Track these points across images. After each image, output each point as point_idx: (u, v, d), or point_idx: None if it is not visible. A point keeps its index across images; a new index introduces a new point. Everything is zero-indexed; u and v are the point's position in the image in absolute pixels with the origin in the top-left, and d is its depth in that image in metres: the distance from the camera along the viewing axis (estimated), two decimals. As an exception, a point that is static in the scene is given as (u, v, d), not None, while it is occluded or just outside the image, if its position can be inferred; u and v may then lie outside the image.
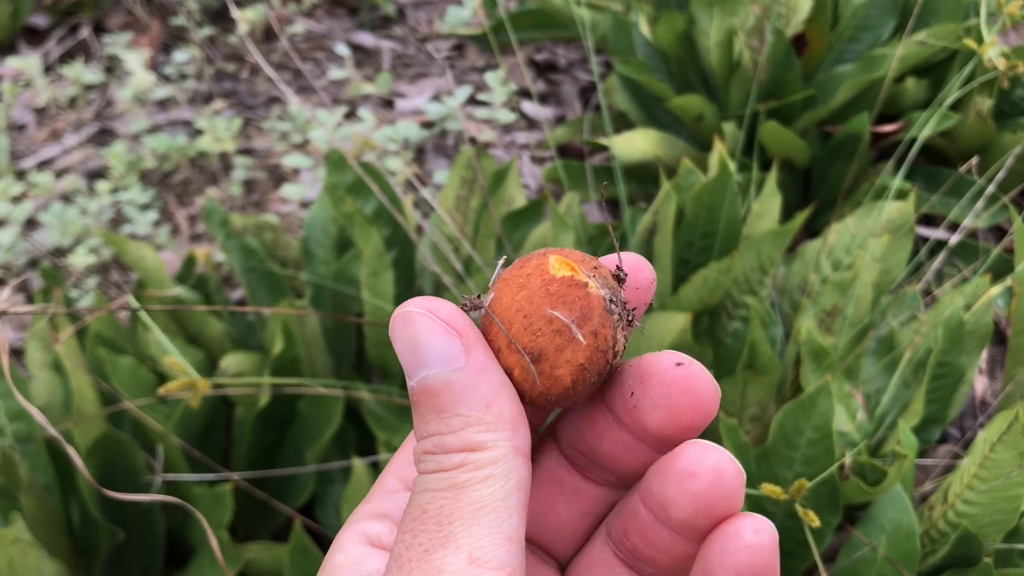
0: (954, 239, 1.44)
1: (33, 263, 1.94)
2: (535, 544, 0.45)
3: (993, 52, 1.41)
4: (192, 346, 1.23)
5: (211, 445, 1.22)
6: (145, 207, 2.03)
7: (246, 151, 2.22)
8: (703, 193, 1.23)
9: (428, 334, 0.37)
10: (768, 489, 0.74)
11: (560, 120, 2.24)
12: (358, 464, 0.99)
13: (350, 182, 1.29)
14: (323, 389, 1.06)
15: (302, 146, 2.11)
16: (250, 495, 1.08)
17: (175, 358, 0.75)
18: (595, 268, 0.39)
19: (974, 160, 1.16)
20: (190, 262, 1.32)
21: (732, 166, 1.34)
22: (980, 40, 1.50)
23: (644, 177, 1.72)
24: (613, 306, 0.38)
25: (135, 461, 1.03)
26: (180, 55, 2.36)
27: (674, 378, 0.39)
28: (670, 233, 1.22)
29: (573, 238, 1.11)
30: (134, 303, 0.90)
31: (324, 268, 1.36)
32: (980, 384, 1.49)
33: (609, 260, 0.42)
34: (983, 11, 1.43)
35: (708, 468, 0.37)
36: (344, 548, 0.42)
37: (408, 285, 1.28)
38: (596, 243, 1.36)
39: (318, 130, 1.73)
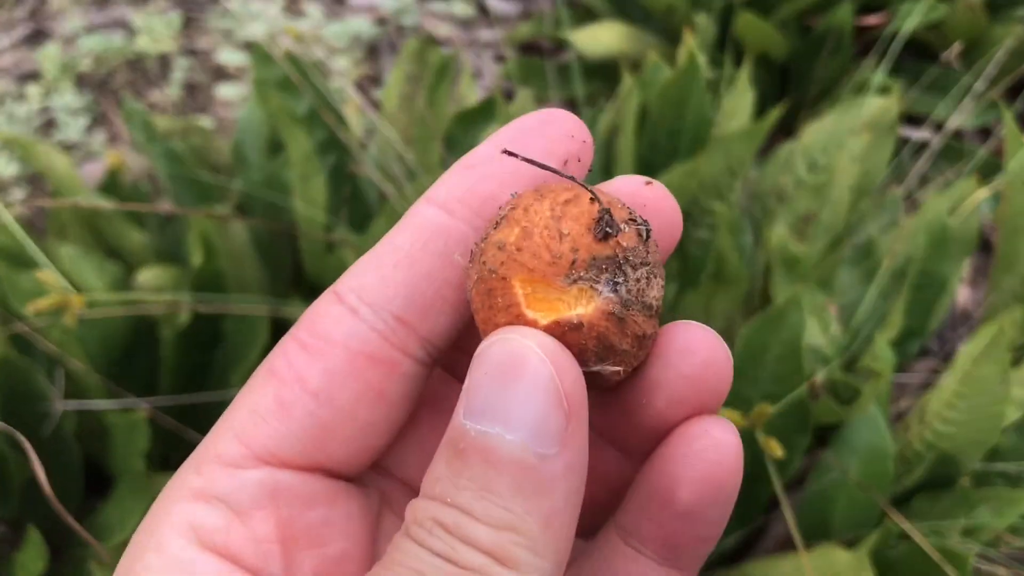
0: (938, 140, 1.34)
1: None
2: None
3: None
4: (111, 260, 1.12)
5: (135, 368, 1.12)
6: (79, 111, 1.89)
7: (189, 52, 2.07)
8: (669, 89, 1.12)
9: (535, 391, 0.27)
10: (727, 415, 0.66)
11: (526, 16, 2.10)
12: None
13: (279, 78, 1.17)
14: (243, 308, 0.96)
15: (247, 47, 1.97)
16: (172, 424, 0.99)
17: (49, 271, 0.65)
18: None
19: (955, 47, 1.05)
20: (113, 170, 1.20)
21: (701, 59, 1.23)
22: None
23: (610, 75, 1.60)
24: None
25: (37, 386, 0.94)
26: (115, -52, 2.18)
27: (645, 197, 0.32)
28: (632, 133, 1.11)
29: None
30: (2, 210, 0.79)
31: (257, 173, 1.25)
32: (962, 294, 1.42)
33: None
34: None
35: (704, 347, 0.31)
36: (162, 545, 0.30)
37: (343, 194, 1.17)
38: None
39: (257, 24, 1.59)
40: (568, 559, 0.29)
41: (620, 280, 0.29)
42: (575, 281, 0.29)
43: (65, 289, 0.66)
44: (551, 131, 0.32)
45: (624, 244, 0.29)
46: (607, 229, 0.29)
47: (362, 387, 0.32)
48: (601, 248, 0.29)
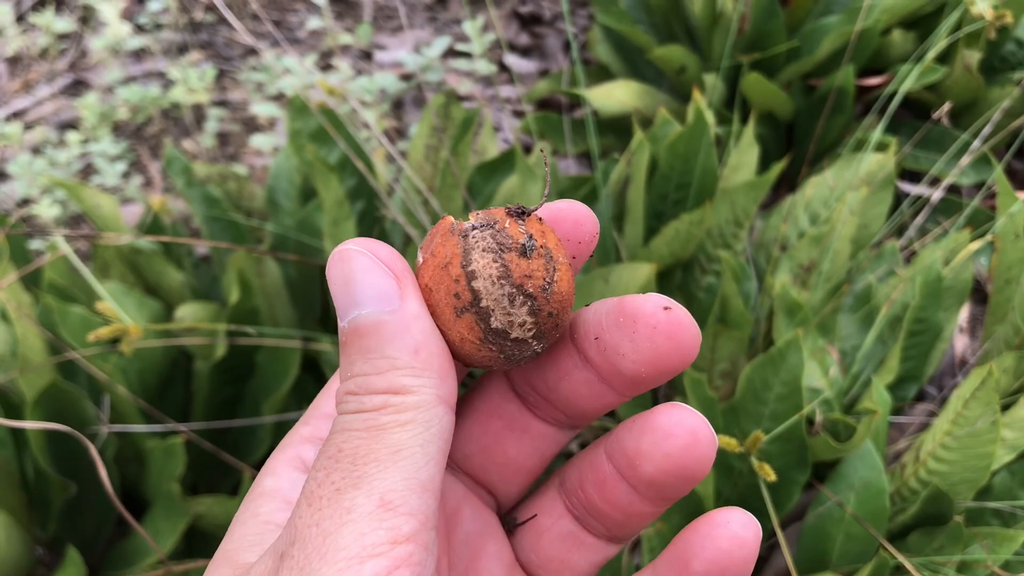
0: (937, 195, 1.40)
1: (3, 215, 1.90)
2: (479, 482, 0.44)
3: (980, 2, 1.36)
4: (151, 297, 1.19)
5: (170, 398, 1.19)
6: (116, 158, 1.98)
7: (221, 103, 2.17)
8: (678, 143, 1.19)
9: (363, 273, 0.36)
10: (724, 442, 0.72)
11: (544, 73, 2.19)
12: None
13: (313, 129, 1.25)
14: (275, 340, 1.03)
15: (277, 98, 2.06)
16: (208, 449, 1.05)
17: (107, 303, 0.72)
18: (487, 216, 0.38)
19: (945, 107, 1.12)
20: (152, 212, 1.28)
21: (709, 116, 1.30)
22: (969, -10, 1.46)
23: (623, 130, 1.68)
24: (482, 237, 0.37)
25: (84, 412, 1.00)
26: (155, 4, 2.29)
27: (660, 321, 0.38)
28: (643, 184, 1.18)
29: (541, 188, 1.08)
30: (63, 245, 0.86)
31: (289, 218, 1.33)
32: (960, 342, 1.47)
33: (556, 208, 0.40)
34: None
35: (686, 430, 0.38)
36: (276, 472, 0.40)
37: (371, 236, 1.25)
38: (568, 196, 1.32)
39: (291, 78, 1.68)
40: (455, 382, 0.37)
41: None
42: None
43: (122, 320, 0.73)
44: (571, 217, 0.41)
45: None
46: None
47: None
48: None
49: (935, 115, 1.16)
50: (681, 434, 0.38)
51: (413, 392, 0.35)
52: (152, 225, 1.21)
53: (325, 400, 0.42)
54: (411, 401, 0.35)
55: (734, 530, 0.38)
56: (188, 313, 1.09)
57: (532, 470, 0.44)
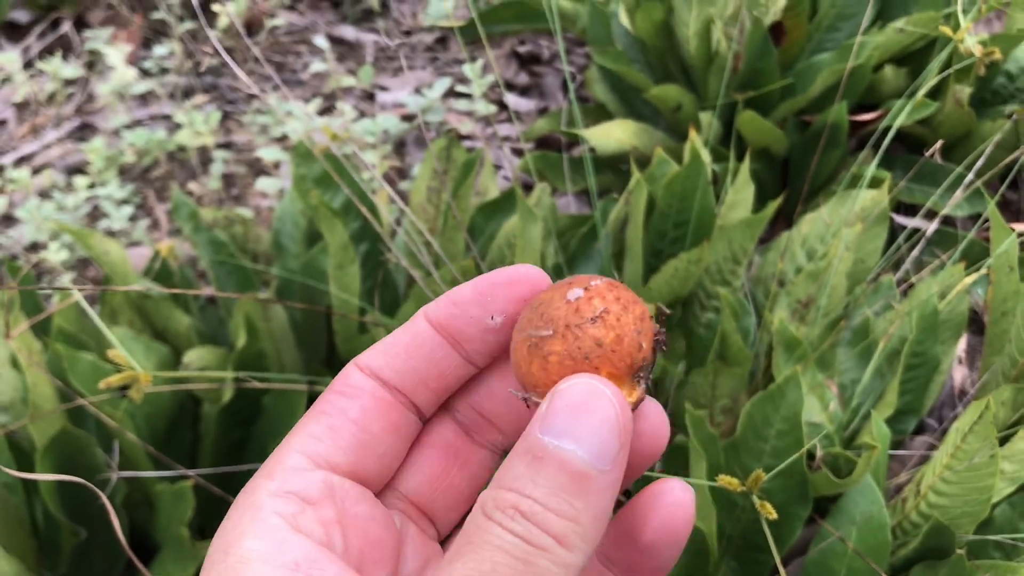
0: (932, 228, 1.42)
1: (11, 259, 1.92)
2: (424, 511, 0.45)
3: (969, 39, 1.39)
4: (158, 341, 1.21)
5: (177, 442, 1.20)
6: (123, 202, 2.01)
7: (225, 145, 2.20)
8: (674, 182, 1.22)
9: (601, 422, 0.36)
10: (724, 480, 0.73)
11: (543, 112, 2.23)
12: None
13: (318, 174, 1.28)
14: (283, 385, 1.04)
15: (281, 140, 2.10)
16: (216, 494, 1.07)
17: (118, 350, 0.74)
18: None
19: (937, 145, 1.15)
20: (158, 256, 1.30)
21: (705, 155, 1.33)
22: (958, 27, 1.48)
23: (622, 167, 1.70)
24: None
25: (94, 459, 1.02)
26: (160, 49, 2.34)
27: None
28: (641, 224, 1.20)
29: (541, 230, 1.10)
30: (75, 294, 0.88)
31: (294, 261, 1.35)
32: (959, 374, 1.48)
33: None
34: (959, 1, 1.41)
35: (677, 505, 0.42)
36: (258, 532, 0.38)
37: (375, 279, 1.27)
38: (568, 235, 1.34)
39: (294, 122, 1.72)
40: None
41: (648, 376, 0.41)
42: (634, 378, 0.40)
43: (132, 367, 0.75)
44: (515, 291, 0.43)
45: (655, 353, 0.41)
46: (663, 347, 0.41)
47: (386, 422, 0.43)
48: (650, 355, 0.40)
49: (927, 153, 1.18)
50: (682, 515, 0.41)
51: (575, 552, 0.36)
52: (160, 271, 1.23)
53: (292, 455, 0.42)
54: (570, 560, 0.36)
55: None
56: (195, 358, 1.10)
57: (471, 497, 0.46)
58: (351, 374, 0.44)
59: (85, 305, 0.75)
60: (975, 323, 1.57)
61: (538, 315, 0.40)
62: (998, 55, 1.32)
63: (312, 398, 1.12)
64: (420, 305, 1.19)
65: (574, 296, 0.40)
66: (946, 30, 1.30)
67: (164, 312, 1.22)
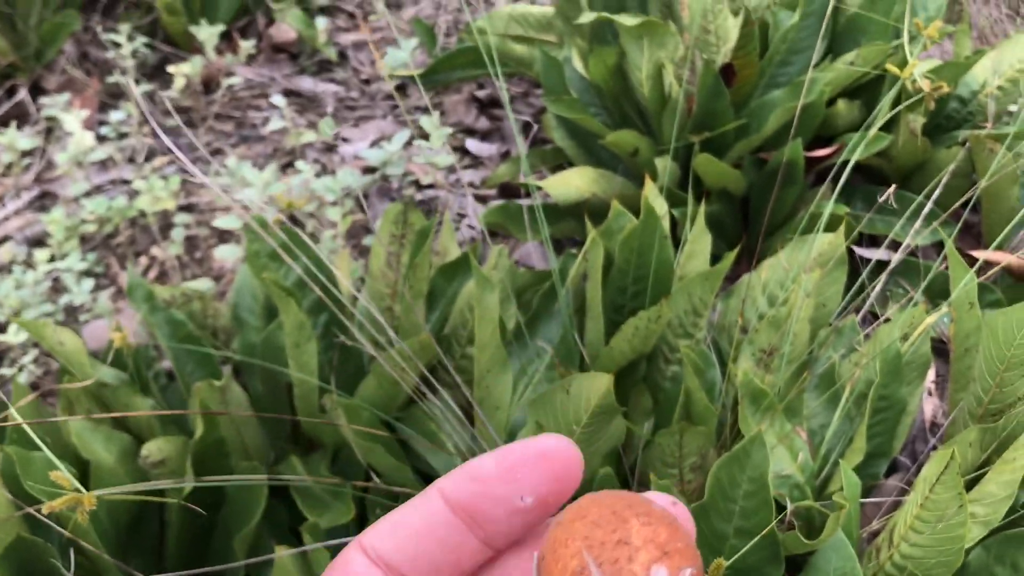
0: (896, 259, 1.42)
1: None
2: None
3: (918, 73, 1.40)
4: (119, 430, 1.19)
5: (143, 530, 1.18)
6: (86, 273, 1.99)
7: (187, 207, 2.19)
8: (631, 238, 1.21)
9: None
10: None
11: (505, 156, 2.22)
12: (282, 557, 0.95)
13: (271, 249, 1.26)
14: (241, 477, 1.02)
15: (246, 206, 2.08)
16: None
17: (60, 472, 0.72)
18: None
19: (891, 189, 1.15)
20: (113, 348, 1.28)
21: (662, 204, 1.32)
22: (906, 60, 1.49)
23: (586, 214, 1.70)
24: None
25: (52, 566, 0.99)
26: (117, 114, 2.32)
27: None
28: (599, 282, 1.19)
29: (498, 296, 1.09)
30: (31, 394, 0.87)
31: (255, 335, 1.33)
32: (930, 406, 1.48)
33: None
34: (905, 33, 1.42)
35: None
36: None
37: (335, 351, 1.25)
38: (529, 292, 1.33)
39: (248, 190, 1.70)
40: None
41: None
42: None
43: (76, 490, 0.73)
44: (548, 467, 0.38)
45: None
46: None
47: None
48: None
49: (881, 198, 1.18)
50: None
51: None
52: (115, 360, 1.21)
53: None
54: None
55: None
56: (154, 450, 1.08)
57: None
58: (353, 559, 0.38)
59: (18, 415, 0.73)
60: (944, 353, 1.57)
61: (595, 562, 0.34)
62: (945, 88, 1.33)
63: (273, 488, 1.10)
64: (381, 383, 1.18)
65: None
66: (892, 68, 1.30)
67: (123, 399, 1.20)
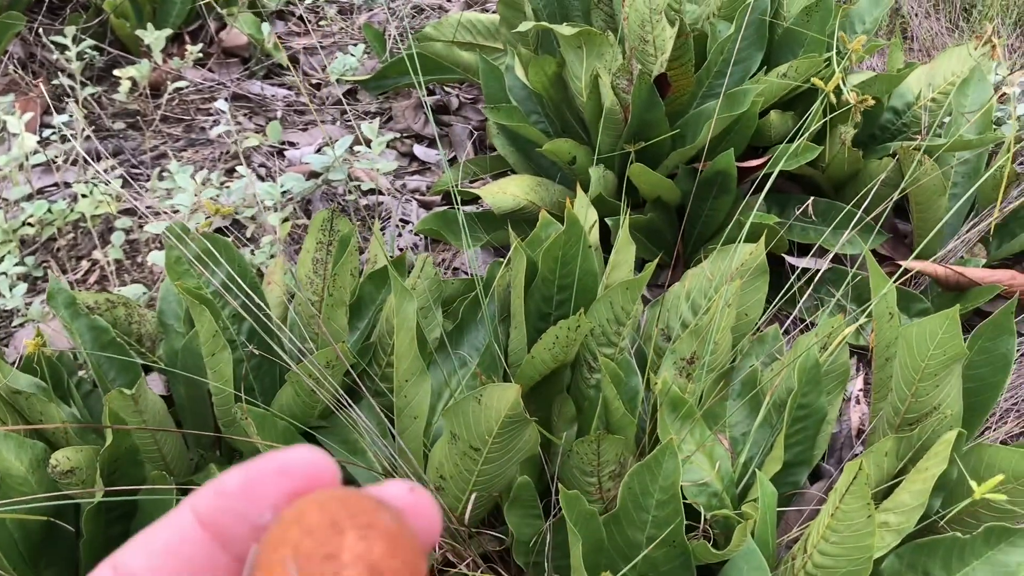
0: (823, 267, 1.43)
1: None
2: None
3: (845, 87, 1.41)
4: (32, 438, 1.17)
5: (58, 535, 1.16)
6: (23, 278, 1.96)
7: (129, 211, 2.16)
8: (553, 248, 1.21)
9: None
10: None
11: (453, 161, 2.22)
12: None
13: (195, 254, 1.25)
14: (151, 487, 1.01)
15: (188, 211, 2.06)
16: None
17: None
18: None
19: (809, 201, 1.16)
20: (32, 355, 1.26)
21: (592, 214, 1.33)
22: (843, 73, 1.51)
23: (524, 221, 1.70)
24: None
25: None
26: (61, 117, 2.29)
27: (408, 503, 0.36)
28: (522, 291, 1.19)
29: (415, 307, 1.08)
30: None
31: (180, 340, 1.32)
32: (857, 413, 1.49)
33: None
34: (835, 47, 1.44)
35: None
36: None
37: (258, 358, 1.24)
38: (459, 303, 1.33)
39: (181, 195, 1.69)
40: None
41: None
42: None
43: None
44: (289, 483, 0.38)
45: None
46: None
47: None
48: None
49: (799, 210, 1.19)
50: None
51: None
52: (27, 367, 1.20)
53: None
54: None
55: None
56: (62, 459, 1.07)
57: None
58: None
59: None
60: (869, 361, 1.58)
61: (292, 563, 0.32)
62: (871, 101, 1.35)
63: (184, 493, 1.09)
64: (298, 392, 1.17)
65: None
66: (817, 82, 1.32)
67: (37, 407, 1.18)
